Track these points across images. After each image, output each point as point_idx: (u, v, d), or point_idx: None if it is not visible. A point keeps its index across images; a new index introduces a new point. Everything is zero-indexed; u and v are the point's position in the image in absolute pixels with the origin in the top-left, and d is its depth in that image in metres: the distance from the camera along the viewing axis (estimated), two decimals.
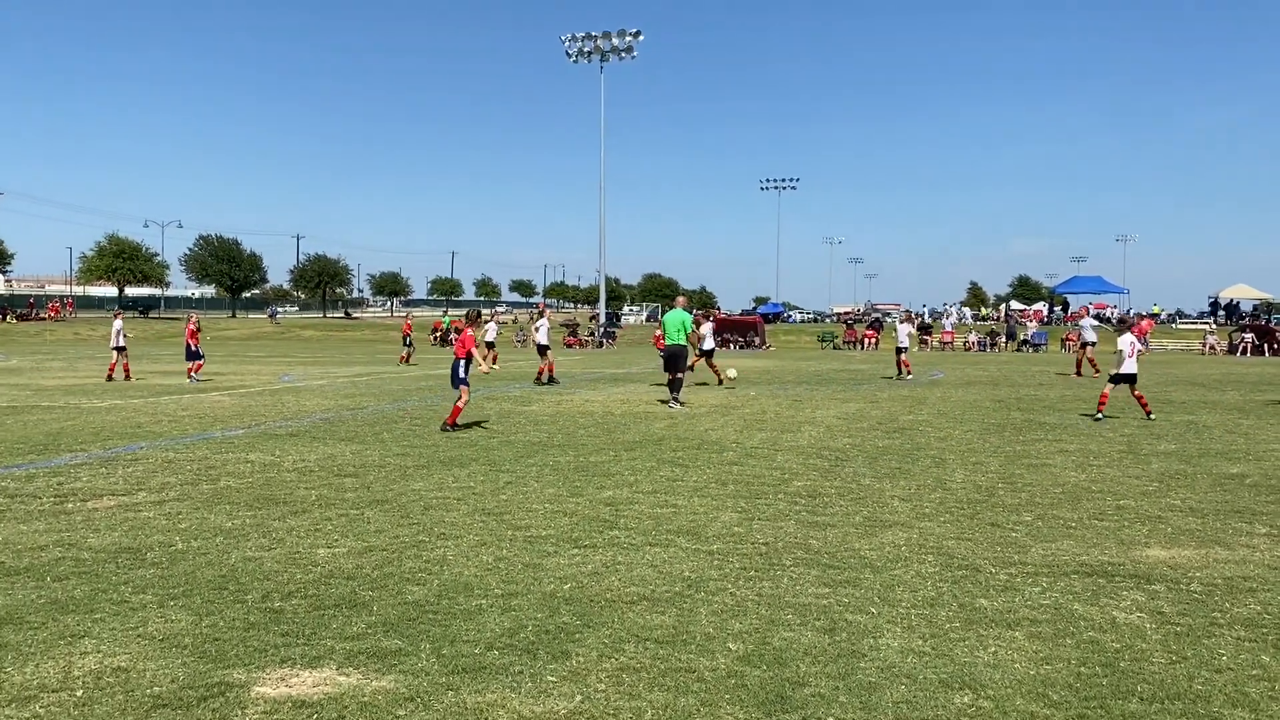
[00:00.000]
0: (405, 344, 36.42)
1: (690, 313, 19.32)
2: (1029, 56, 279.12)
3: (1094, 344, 30.17)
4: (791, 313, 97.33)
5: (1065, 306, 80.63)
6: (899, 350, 27.06)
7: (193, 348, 24.71)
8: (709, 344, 24.37)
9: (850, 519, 8.30)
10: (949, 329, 60.79)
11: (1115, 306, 77.30)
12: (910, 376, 26.42)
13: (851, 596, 6.03)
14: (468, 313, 16.74)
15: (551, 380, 24.16)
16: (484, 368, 15.42)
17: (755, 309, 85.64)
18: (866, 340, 58.09)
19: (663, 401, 18.72)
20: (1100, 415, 16.41)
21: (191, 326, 25.25)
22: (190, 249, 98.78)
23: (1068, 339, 55.31)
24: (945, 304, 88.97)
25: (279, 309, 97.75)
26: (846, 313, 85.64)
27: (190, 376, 24.16)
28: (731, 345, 55.46)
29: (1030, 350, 53.97)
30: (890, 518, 8.36)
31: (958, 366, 35.58)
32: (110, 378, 24.71)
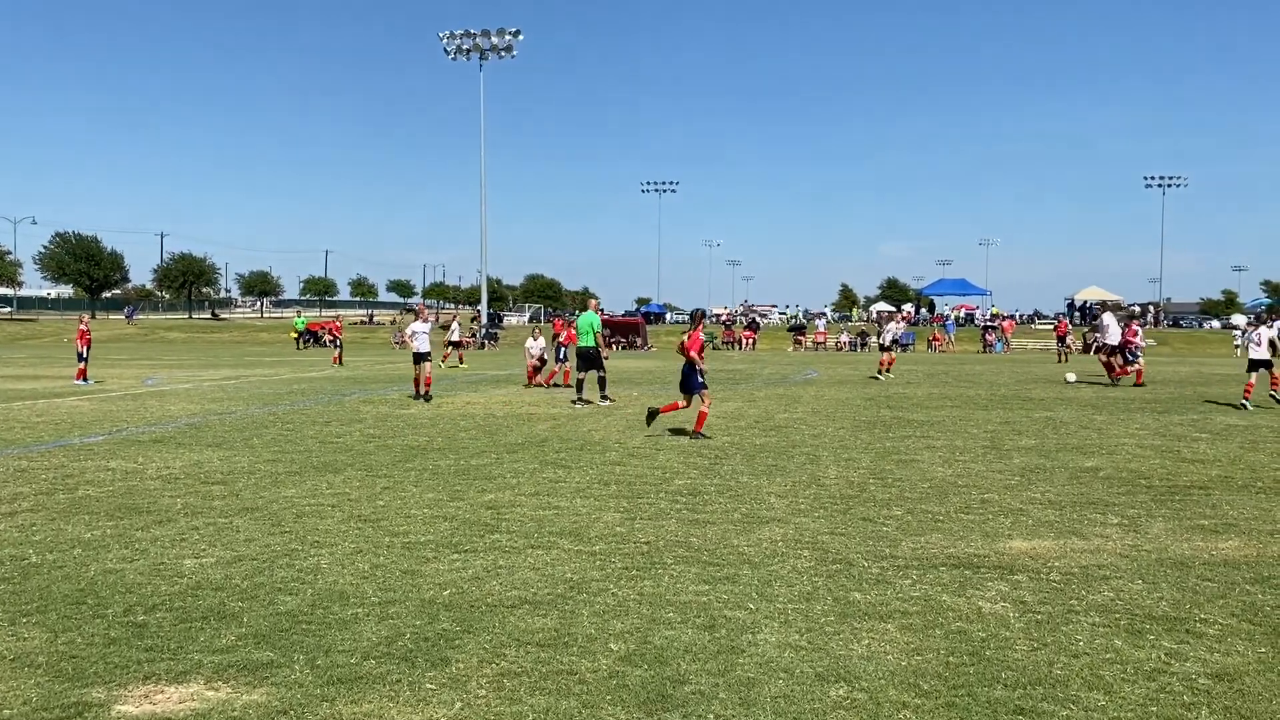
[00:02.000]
0: (336, 345, 36.86)
1: (599, 315, 20.21)
2: (899, 59, 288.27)
3: (1114, 345, 25.48)
4: (671, 314, 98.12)
5: (931, 307, 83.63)
6: (885, 349, 28.87)
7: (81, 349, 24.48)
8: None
9: (729, 516, 8.42)
10: (822, 329, 62.38)
11: (978, 307, 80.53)
12: (889, 376, 27.59)
13: (731, 593, 6.11)
14: (693, 313, 16.04)
15: (426, 397, 19.79)
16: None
17: (638, 310, 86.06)
18: (745, 340, 59.08)
19: (573, 403, 19.09)
20: (1246, 403, 18.42)
21: (83, 328, 24.97)
22: (46, 246, 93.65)
23: (934, 339, 57.38)
24: (787, 307, 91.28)
25: (137, 310, 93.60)
26: (722, 313, 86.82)
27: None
28: (614, 346, 55.62)
29: (899, 350, 55.65)
30: (767, 514, 8.51)
31: (830, 366, 36.50)
32: None
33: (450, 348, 34.75)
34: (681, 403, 14.79)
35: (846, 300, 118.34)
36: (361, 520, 8.25)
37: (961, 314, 79.29)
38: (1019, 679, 4.70)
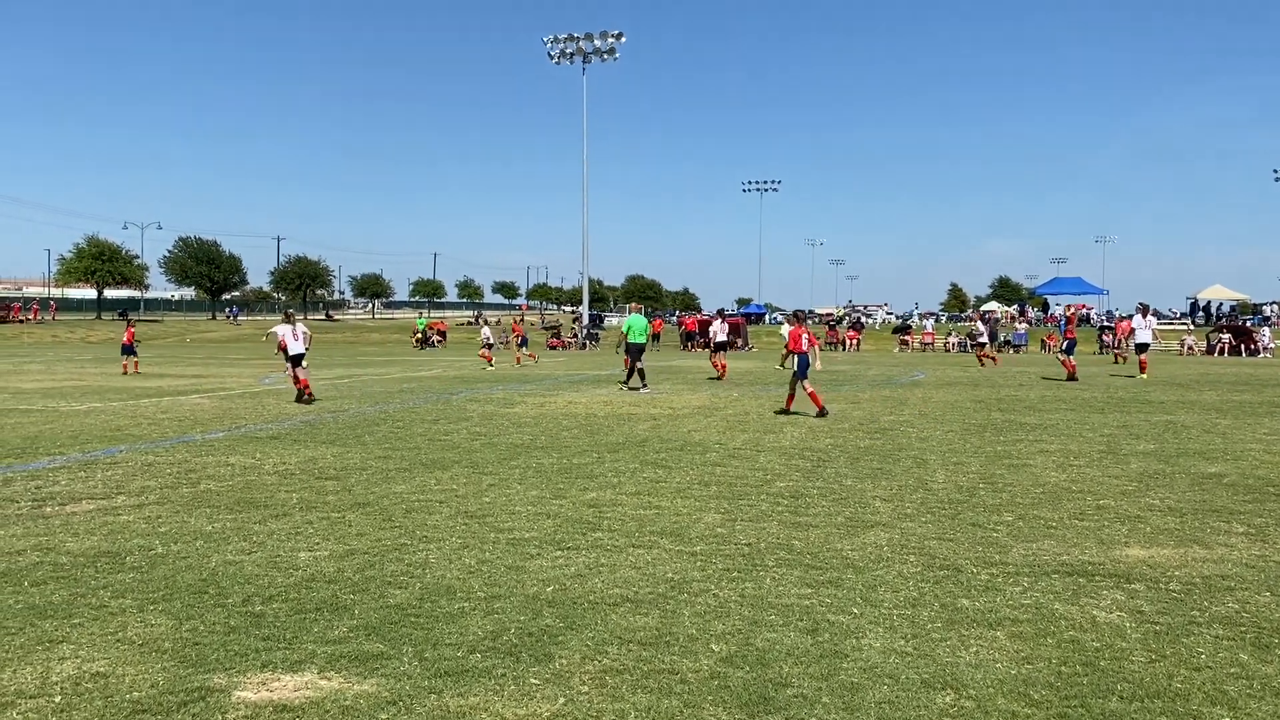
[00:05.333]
0: (520, 345, 37.22)
1: (649, 318, 24.75)
2: (1009, 58, 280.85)
3: (1148, 345, 28.06)
4: (775, 314, 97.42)
5: (1045, 307, 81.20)
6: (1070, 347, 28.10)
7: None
8: (721, 338, 30.29)
9: (832, 519, 8.32)
10: (930, 330, 61.10)
11: (1093, 307, 77.91)
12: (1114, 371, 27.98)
13: (834, 597, 6.04)
14: (795, 312, 18.56)
15: (305, 397, 19.51)
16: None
17: (739, 310, 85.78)
18: (849, 341, 58.27)
19: (633, 388, 22.32)
20: None
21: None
22: (170, 251, 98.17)
23: (1048, 340, 55.66)
24: (879, 309, 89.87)
25: (240, 312, 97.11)
26: (828, 314, 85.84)
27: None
28: (692, 347, 55.49)
29: (1011, 351, 54.23)
30: (872, 518, 8.38)
31: (938, 367, 35.74)
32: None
33: (487, 349, 35.08)
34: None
35: (957, 300, 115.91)
36: (468, 516, 8.41)
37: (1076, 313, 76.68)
38: (1136, 691, 4.54)
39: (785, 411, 16.95)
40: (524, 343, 37.52)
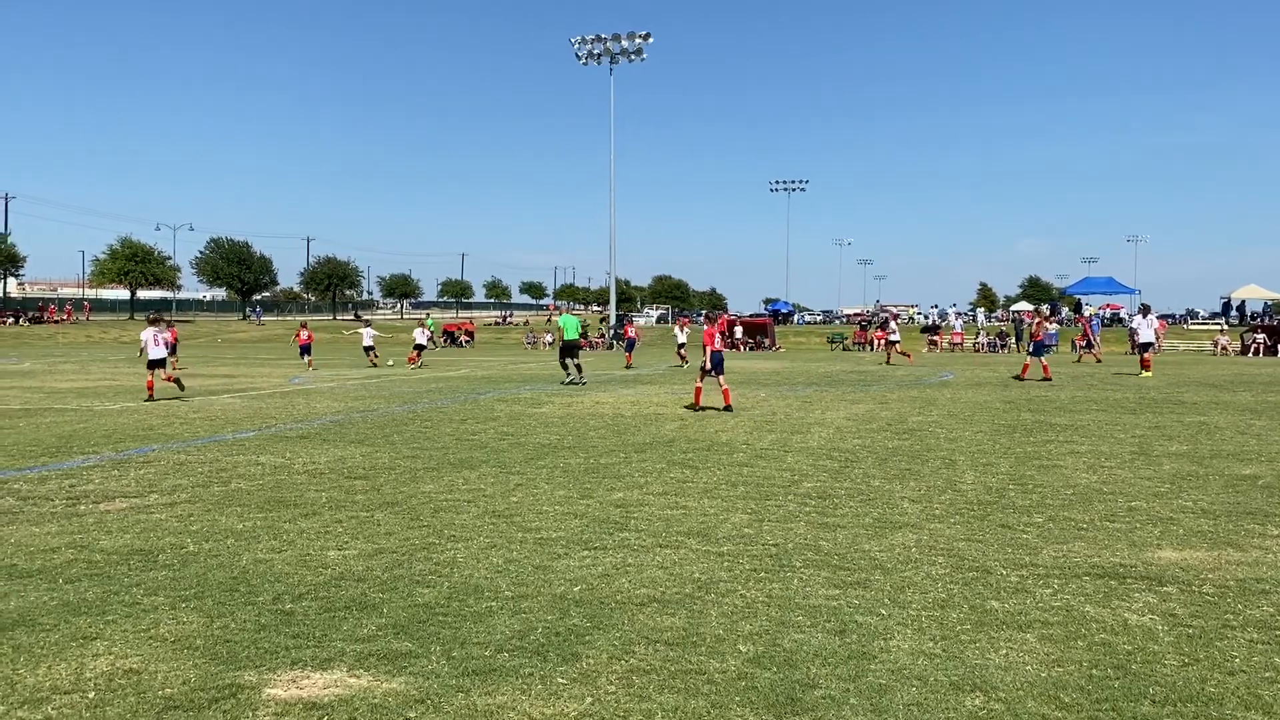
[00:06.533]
0: (466, 344, 37.54)
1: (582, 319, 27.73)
2: (1038, 56, 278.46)
3: (1153, 345, 29.18)
4: (801, 314, 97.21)
5: (1077, 307, 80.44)
6: (1145, 347, 28.81)
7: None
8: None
9: (860, 520, 8.28)
10: (959, 330, 60.67)
11: (1124, 307, 77.11)
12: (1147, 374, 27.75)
13: (862, 598, 6.02)
14: (708, 314, 20.27)
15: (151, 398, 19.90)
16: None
17: (767, 308, 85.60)
18: (876, 341, 57.94)
19: (573, 382, 24.66)
20: None
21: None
22: (201, 252, 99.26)
23: (1079, 340, 55.08)
24: (935, 306, 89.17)
25: (260, 312, 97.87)
26: (857, 314, 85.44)
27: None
28: (742, 347, 55.42)
29: (1086, 351, 53.65)
30: (900, 519, 8.34)
31: (967, 367, 35.49)
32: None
33: (416, 350, 35.33)
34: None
35: (986, 300, 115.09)
36: (495, 516, 8.44)
37: (1106, 313, 76.02)
38: (1168, 695, 4.49)
39: (696, 407, 17.95)
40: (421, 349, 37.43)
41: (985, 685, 4.61)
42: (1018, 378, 27.00)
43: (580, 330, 27.01)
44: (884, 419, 16.40)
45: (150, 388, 19.99)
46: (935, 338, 59.01)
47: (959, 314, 76.48)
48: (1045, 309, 72.83)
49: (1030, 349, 27.89)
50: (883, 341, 57.37)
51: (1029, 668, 4.84)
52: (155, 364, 20.22)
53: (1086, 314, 72.51)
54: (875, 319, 70.55)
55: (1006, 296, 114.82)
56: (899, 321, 57.45)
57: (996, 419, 16.44)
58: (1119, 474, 10.72)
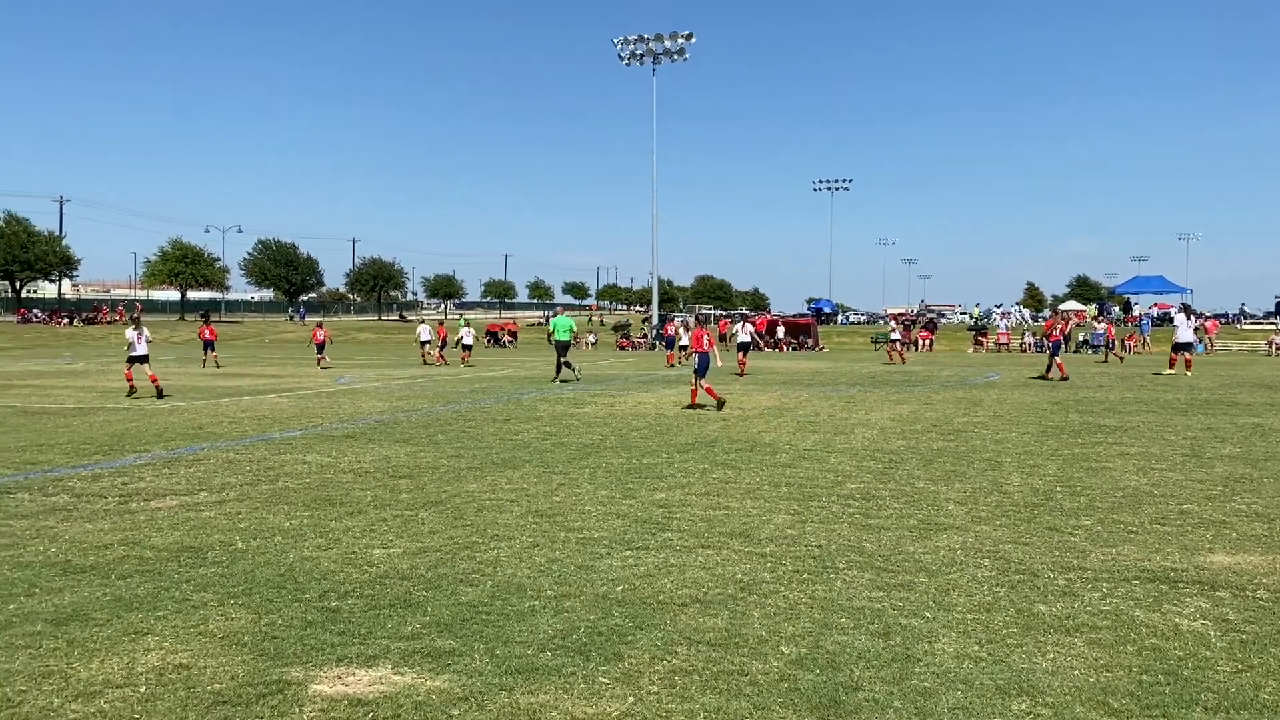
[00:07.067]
0: (441, 346, 38.15)
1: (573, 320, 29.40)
2: (1088, 53, 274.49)
3: (1191, 345, 29.26)
4: (846, 314, 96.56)
5: (1126, 306, 79.21)
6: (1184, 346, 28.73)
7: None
8: (744, 339, 31.62)
9: (904, 522, 8.21)
10: (1004, 330, 59.96)
11: (1173, 306, 75.75)
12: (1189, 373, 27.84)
13: (906, 600, 5.96)
14: (697, 316, 20.88)
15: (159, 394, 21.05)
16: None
17: (810, 307, 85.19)
18: (921, 341, 57.43)
19: (564, 380, 25.65)
20: None
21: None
22: (249, 253, 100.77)
23: (1129, 340, 54.23)
24: (996, 305, 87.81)
25: (303, 313, 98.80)
26: (900, 314, 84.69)
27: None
28: (785, 347, 55.20)
29: (1089, 352, 52.94)
30: (945, 521, 8.26)
31: (1013, 368, 35.05)
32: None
33: (466, 350, 36.34)
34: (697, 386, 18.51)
35: (1033, 299, 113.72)
36: (538, 515, 8.47)
37: (1156, 313, 74.71)
38: (1221, 702, 4.40)
39: (692, 406, 18.32)
40: (444, 345, 38.06)
41: (1032, 690, 4.55)
42: (1041, 377, 27.20)
43: (572, 332, 28.25)
44: (929, 420, 16.25)
45: (129, 379, 21.52)
46: (981, 338, 58.37)
47: (1032, 316, 75.01)
48: (1092, 309, 71.76)
49: (1050, 349, 28.27)
50: (928, 341, 56.99)
51: (1077, 672, 4.77)
52: (138, 360, 21.63)
53: (1136, 313, 71.41)
54: (919, 318, 69.90)
55: (1054, 296, 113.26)
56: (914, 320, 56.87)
57: (1044, 420, 16.22)
58: (1170, 476, 10.54)
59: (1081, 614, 5.70)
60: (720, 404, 18.04)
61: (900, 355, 39.14)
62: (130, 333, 21.97)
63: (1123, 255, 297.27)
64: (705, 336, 19.00)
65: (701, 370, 18.46)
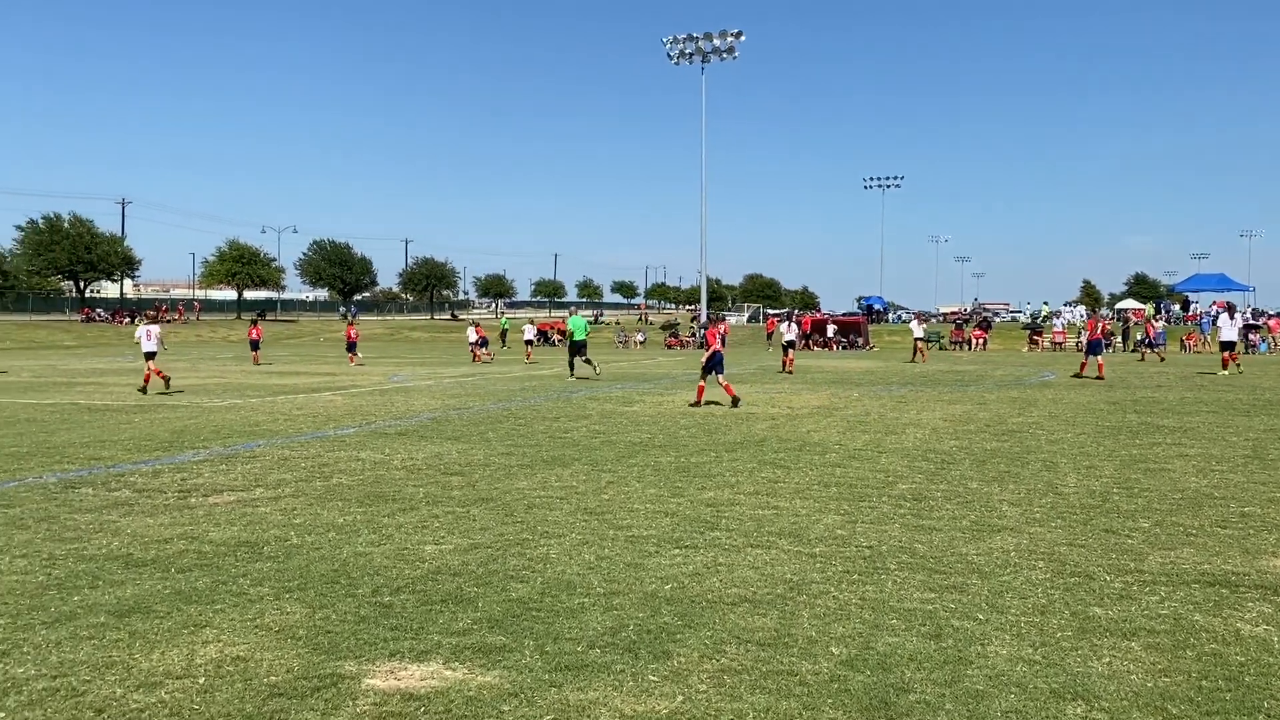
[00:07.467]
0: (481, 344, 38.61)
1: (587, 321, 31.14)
2: (1138, 48, 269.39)
3: (1233, 343, 29.80)
4: (899, 312, 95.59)
5: (1186, 305, 77.59)
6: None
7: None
8: (789, 337, 32.02)
9: (957, 523, 8.12)
10: (1060, 329, 58.97)
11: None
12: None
13: (958, 602, 5.90)
14: (710, 315, 20.85)
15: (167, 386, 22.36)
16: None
17: (860, 305, 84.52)
18: (975, 340, 56.70)
19: (582, 377, 26.28)
20: None
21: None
22: (304, 253, 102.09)
23: (1188, 339, 53.16)
24: (1029, 303, 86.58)
25: (354, 311, 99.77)
26: (954, 312, 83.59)
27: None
28: (835, 346, 54.80)
29: (1149, 350, 51.91)
30: (999, 522, 8.16)
31: (1070, 367, 34.47)
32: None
33: (474, 348, 37.23)
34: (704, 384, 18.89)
35: (1089, 298, 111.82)
36: (588, 513, 8.51)
37: (1215, 311, 73.00)
38: None
39: (697, 404, 18.41)
40: (484, 343, 38.45)
41: (1087, 694, 4.48)
42: (1076, 375, 27.80)
43: (587, 331, 28.89)
44: (982, 420, 16.05)
45: (147, 379, 22.35)
46: (1036, 336, 57.47)
47: (1118, 315, 73.57)
48: (1150, 308, 70.37)
49: (1087, 347, 29.24)
50: (981, 340, 56.25)
51: (1134, 677, 4.69)
52: (149, 355, 22.56)
53: (1195, 312, 69.92)
54: (973, 316, 69.04)
55: (1111, 294, 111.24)
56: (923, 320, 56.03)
57: (1100, 420, 15.95)
58: (1231, 478, 10.31)
59: (1139, 618, 5.60)
60: (735, 401, 18.21)
61: (922, 354, 38.28)
62: (140, 330, 23.13)
63: (1182, 252, 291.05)
64: (719, 335, 19.46)
65: (718, 367, 18.71)
